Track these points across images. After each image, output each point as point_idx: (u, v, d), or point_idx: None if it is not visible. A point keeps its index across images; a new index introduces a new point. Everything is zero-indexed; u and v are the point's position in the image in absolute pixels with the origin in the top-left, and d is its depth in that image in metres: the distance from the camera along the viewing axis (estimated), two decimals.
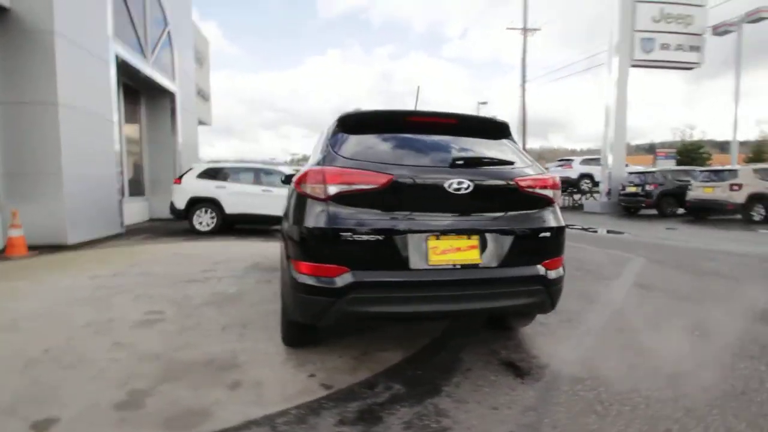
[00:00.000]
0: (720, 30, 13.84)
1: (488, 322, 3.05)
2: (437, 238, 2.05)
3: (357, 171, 2.06)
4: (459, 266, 2.06)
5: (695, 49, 13.95)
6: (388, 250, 2.01)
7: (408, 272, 2.02)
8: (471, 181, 2.08)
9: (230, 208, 8.23)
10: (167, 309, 3.39)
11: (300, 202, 2.15)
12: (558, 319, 3.16)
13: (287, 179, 4.46)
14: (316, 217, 2.05)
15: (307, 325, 2.48)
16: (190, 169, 8.65)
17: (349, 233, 2.00)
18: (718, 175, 11.44)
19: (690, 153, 41.52)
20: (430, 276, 2.03)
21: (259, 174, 8.51)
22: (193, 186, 8.30)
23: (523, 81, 25.08)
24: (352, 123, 2.36)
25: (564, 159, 19.46)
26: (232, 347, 2.63)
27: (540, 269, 2.20)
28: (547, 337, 2.87)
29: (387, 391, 2.11)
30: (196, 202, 8.28)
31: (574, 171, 16.20)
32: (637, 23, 14.03)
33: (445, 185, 2.06)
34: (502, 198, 2.19)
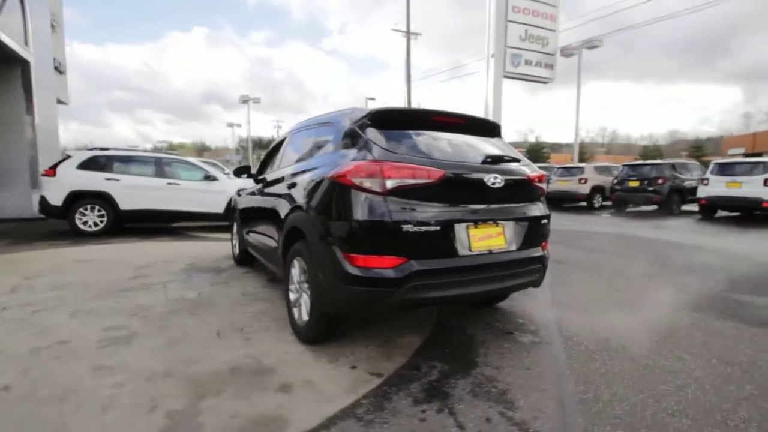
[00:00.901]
0: (566, 52, 17.27)
1: (471, 303, 3.43)
2: (475, 227, 2.30)
3: (414, 166, 2.17)
4: (491, 251, 2.36)
5: (549, 66, 16.75)
6: (440, 240, 2.19)
7: (456, 259, 2.23)
8: (501, 176, 2.39)
9: (127, 203, 7.05)
10: (129, 323, 2.91)
11: (352, 196, 2.15)
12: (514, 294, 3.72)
13: (241, 171, 4.18)
14: (374, 210, 2.10)
15: (335, 320, 2.49)
16: (67, 157, 7.09)
17: (408, 225, 2.11)
18: (569, 171, 14.29)
19: (534, 152, 49.96)
20: (472, 261, 2.28)
21: (162, 165, 7.46)
22: (74, 178, 6.84)
23: (408, 80, 26.83)
24: (384, 119, 2.43)
25: None
26: (246, 352, 2.47)
27: (540, 250, 2.65)
28: (516, 308, 3.38)
29: (433, 370, 2.30)
30: (79, 198, 6.86)
31: None
32: (509, 40, 16.14)
33: (485, 179, 2.33)
34: (518, 190, 2.55)
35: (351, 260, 2.13)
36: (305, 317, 2.57)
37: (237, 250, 4.88)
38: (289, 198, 2.81)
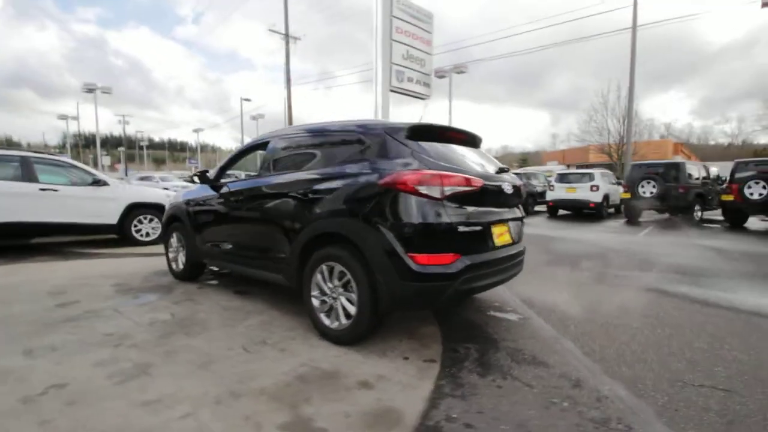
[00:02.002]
0: (439, 74, 19.67)
1: None
2: (495, 226, 2.78)
3: (464, 175, 2.51)
4: (505, 246, 2.87)
5: (427, 85, 18.67)
6: (481, 238, 2.60)
7: (490, 252, 2.67)
8: (510, 183, 2.93)
9: None
10: (122, 354, 2.50)
11: (415, 201, 2.38)
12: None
13: (203, 177, 3.87)
14: (436, 214, 2.39)
15: (380, 319, 2.65)
16: None
17: (460, 226, 2.46)
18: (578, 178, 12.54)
19: None
20: (497, 254, 2.75)
21: (30, 166, 5.93)
22: None
23: (288, 84, 26.37)
24: (418, 132, 2.71)
25: None
26: (296, 362, 2.44)
27: (523, 245, 3.29)
28: (481, 295, 3.99)
29: (470, 350, 2.69)
30: None
31: None
32: (393, 57, 17.45)
33: (503, 186, 2.82)
34: (515, 196, 3.12)
35: (415, 259, 2.37)
36: (344, 320, 2.66)
37: (180, 264, 4.37)
38: (313, 204, 2.83)
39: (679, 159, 14.87)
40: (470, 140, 3.19)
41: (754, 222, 10.75)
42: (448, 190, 2.45)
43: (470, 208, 2.58)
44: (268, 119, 38.30)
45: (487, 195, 2.75)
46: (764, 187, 8.82)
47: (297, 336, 2.85)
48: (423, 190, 2.40)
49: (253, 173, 3.90)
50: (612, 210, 13.15)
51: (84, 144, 61.09)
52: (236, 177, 4.75)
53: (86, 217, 6.27)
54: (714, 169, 13.00)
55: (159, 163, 76.50)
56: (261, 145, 3.72)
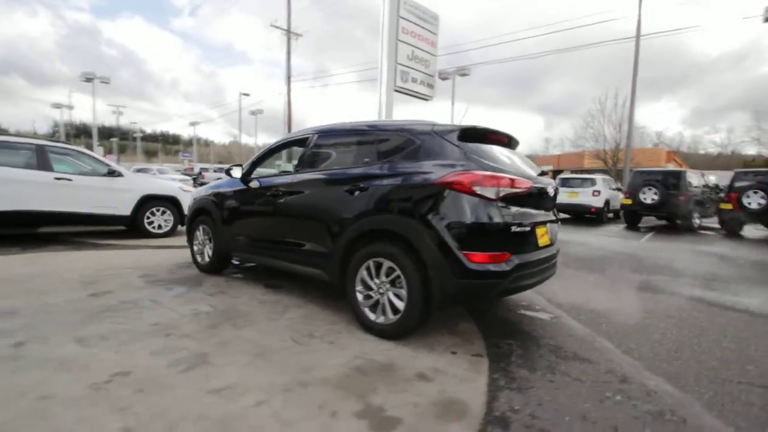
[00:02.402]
0: (442, 76, 19.86)
1: None
2: (538, 227, 2.87)
3: (515, 177, 2.59)
4: (545, 247, 2.96)
5: (430, 86, 18.71)
6: (529, 238, 2.68)
7: (535, 253, 2.75)
8: (551, 186, 3.02)
9: None
10: (176, 344, 2.53)
11: (472, 201, 2.46)
12: None
13: (236, 171, 3.88)
14: (491, 214, 2.47)
15: (429, 315, 2.71)
16: None
17: (513, 226, 2.54)
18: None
19: None
20: (540, 255, 2.83)
21: (45, 155, 5.87)
22: None
23: (288, 81, 26.26)
24: (468, 134, 2.78)
25: None
26: (351, 354, 2.50)
27: (557, 246, 3.38)
28: (526, 295, 4.07)
29: (512, 346, 2.77)
30: None
31: None
32: (399, 57, 17.47)
33: (546, 189, 2.91)
34: (552, 198, 3.21)
35: (470, 257, 2.44)
36: (391, 316, 2.72)
37: (207, 257, 4.38)
38: (361, 201, 2.88)
39: (674, 167, 15.19)
40: (509, 142, 3.27)
41: (749, 230, 11.07)
42: (502, 191, 2.53)
43: (519, 209, 2.66)
44: (266, 115, 38.13)
45: (533, 197, 2.83)
46: (763, 198, 9.10)
47: (341, 329, 2.90)
48: (479, 190, 2.48)
49: (271, 170, 3.92)
50: (611, 215, 13.39)
51: (75, 134, 59.94)
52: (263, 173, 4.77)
53: (100, 208, 6.22)
54: (712, 178, 13.32)
55: (150, 155, 75.51)
56: (298, 141, 3.76)
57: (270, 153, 4.10)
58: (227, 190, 4.16)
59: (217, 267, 4.35)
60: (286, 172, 3.81)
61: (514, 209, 2.62)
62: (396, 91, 18.82)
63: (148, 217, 6.72)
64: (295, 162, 3.69)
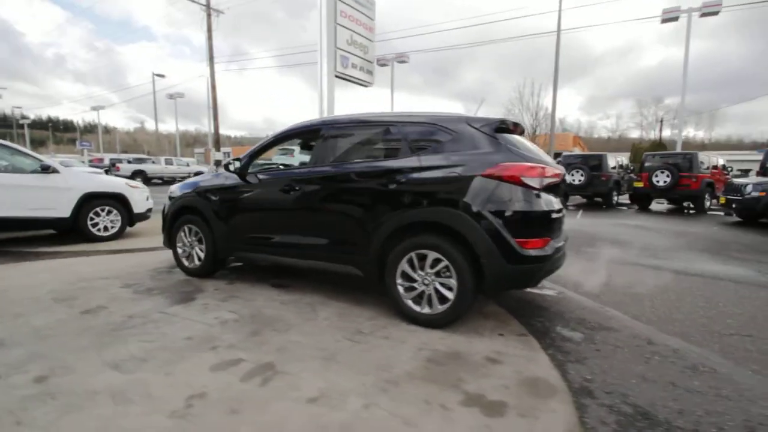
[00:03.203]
0: (380, 62, 19.76)
1: None
2: (560, 213, 3.12)
3: (554, 168, 2.77)
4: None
5: (370, 72, 18.66)
6: (560, 223, 2.91)
7: (560, 237, 2.99)
8: (567, 172, 3.27)
9: None
10: (228, 355, 2.34)
11: (518, 190, 2.60)
12: None
13: (234, 166, 3.63)
14: (539, 202, 2.64)
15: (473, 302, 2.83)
16: None
17: (552, 213, 2.74)
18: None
19: None
20: (562, 239, 3.09)
21: None
22: None
23: (211, 61, 24.20)
24: (500, 125, 2.90)
25: (285, 148, 21.89)
26: (410, 347, 2.54)
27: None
28: None
29: (546, 323, 3.02)
30: None
31: (294, 159, 18.12)
32: (338, 42, 17.17)
33: (567, 177, 3.15)
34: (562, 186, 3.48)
35: (521, 244, 2.60)
36: (438, 306, 2.79)
37: (196, 260, 4.01)
38: (400, 194, 2.87)
39: (579, 151, 17.04)
40: (522, 131, 3.47)
41: (654, 205, 13.00)
42: (545, 180, 2.71)
43: (552, 197, 2.88)
44: (179, 100, 34.53)
45: (559, 185, 3.07)
46: (668, 176, 10.74)
47: (385, 323, 2.91)
48: (526, 180, 2.63)
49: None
50: None
51: None
52: (278, 166, 4.47)
53: (34, 210, 5.30)
54: (623, 159, 15.28)
55: (37, 144, 64.52)
56: (307, 132, 3.58)
57: (270, 145, 3.84)
58: (222, 185, 3.83)
59: (209, 270, 4.01)
60: (302, 165, 3.62)
61: (550, 197, 2.82)
62: (336, 76, 18.44)
63: (92, 219, 5.88)
64: (280, 154, 3.53)
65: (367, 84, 19.11)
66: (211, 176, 4.07)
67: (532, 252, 2.64)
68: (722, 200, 9.05)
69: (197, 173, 24.60)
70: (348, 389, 2.02)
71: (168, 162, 23.61)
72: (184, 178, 24.89)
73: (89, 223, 5.84)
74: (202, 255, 3.99)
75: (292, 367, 2.22)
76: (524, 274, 2.68)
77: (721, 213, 11.24)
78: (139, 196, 6.45)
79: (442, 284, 2.79)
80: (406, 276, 2.92)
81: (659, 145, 31.05)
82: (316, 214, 3.29)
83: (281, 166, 4.60)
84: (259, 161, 4.13)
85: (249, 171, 3.74)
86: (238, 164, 3.67)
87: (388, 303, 3.25)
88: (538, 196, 2.68)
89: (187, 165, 25.41)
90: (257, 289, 3.65)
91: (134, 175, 19.91)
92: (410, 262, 2.88)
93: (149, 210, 6.66)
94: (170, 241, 4.24)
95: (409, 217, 2.85)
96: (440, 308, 2.79)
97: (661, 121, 39.09)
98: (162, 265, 4.47)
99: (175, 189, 4.33)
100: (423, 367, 2.28)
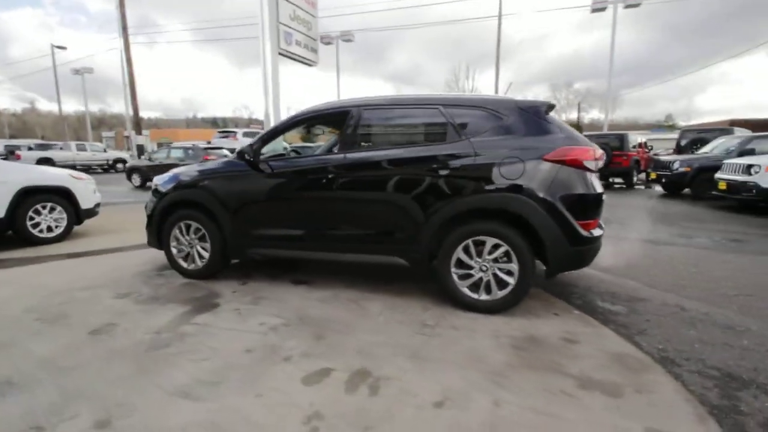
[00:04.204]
0: (325, 41, 18.81)
1: None
2: None
3: (600, 150, 2.83)
4: None
5: (314, 50, 17.84)
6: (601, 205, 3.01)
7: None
8: None
9: None
10: (317, 365, 2.10)
11: (580, 174, 2.64)
12: None
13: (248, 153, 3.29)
14: (597, 185, 2.70)
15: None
16: None
17: (602, 194, 2.82)
18: None
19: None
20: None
21: None
22: None
23: (125, 33, 21.31)
24: (547, 108, 2.90)
25: (226, 131, 20.42)
26: (484, 335, 2.51)
27: None
28: None
29: (584, 300, 3.16)
30: None
31: (239, 143, 16.77)
32: (281, 17, 16.21)
33: None
34: None
35: (584, 226, 2.66)
36: (498, 292, 2.77)
37: (198, 261, 3.55)
38: (454, 180, 2.76)
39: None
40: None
41: None
42: (600, 163, 2.78)
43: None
44: (73, 76, 29.40)
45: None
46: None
47: (442, 313, 2.83)
48: (587, 163, 2.67)
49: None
50: None
51: None
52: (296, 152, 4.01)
53: None
54: None
55: None
56: (334, 114, 3.27)
57: (286, 129, 3.46)
58: (231, 175, 3.38)
59: (214, 270, 3.58)
60: (329, 153, 3.31)
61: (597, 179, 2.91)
62: (280, 54, 17.36)
63: (32, 218, 4.92)
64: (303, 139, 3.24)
65: (312, 63, 18.22)
66: (221, 163, 3.58)
67: (592, 233, 2.72)
68: (653, 175, 10.23)
69: (119, 160, 21.90)
70: (463, 388, 1.92)
71: (80, 148, 20.58)
72: (101, 165, 22.05)
73: (29, 223, 4.89)
74: (205, 254, 3.53)
75: (389, 371, 2.07)
76: (583, 255, 2.75)
77: (642, 187, 12.72)
78: (86, 189, 5.53)
79: (500, 269, 2.78)
80: (460, 263, 2.85)
81: (577, 126, 34.13)
82: (355, 204, 3.06)
83: (291, 153, 4.18)
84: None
85: (261, 158, 3.36)
86: (249, 149, 3.27)
87: (431, 291, 3.18)
88: (593, 178, 2.75)
89: (105, 151, 22.44)
90: (280, 288, 3.34)
91: (39, 165, 17.11)
92: (466, 249, 2.82)
93: (97, 205, 5.75)
94: (159, 241, 3.70)
95: (468, 203, 2.76)
96: (500, 294, 2.78)
97: (579, 105, 42.87)
98: (146, 268, 3.90)
99: (161, 182, 3.75)
100: (514, 355, 2.26)
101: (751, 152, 8.78)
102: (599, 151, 2.84)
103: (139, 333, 2.49)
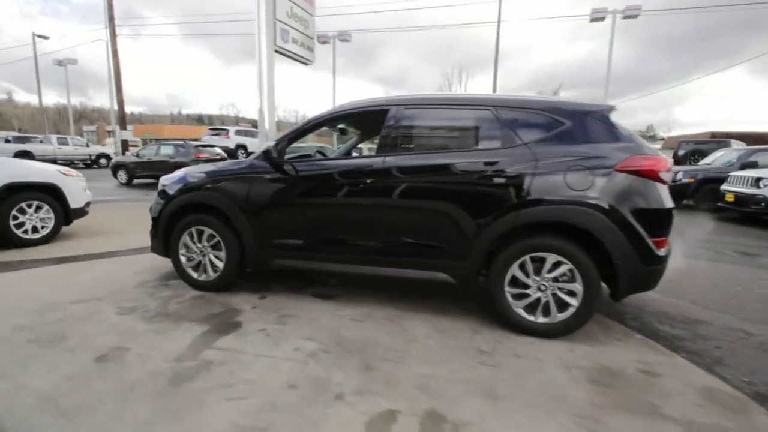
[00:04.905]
0: (321, 40, 18.41)
1: None
2: None
3: (670, 160, 2.59)
4: None
5: (310, 48, 17.47)
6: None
7: None
8: None
9: None
10: (373, 402, 1.78)
11: (655, 186, 2.40)
12: None
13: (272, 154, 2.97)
14: (667, 198, 2.46)
15: None
16: None
17: (673, 209, 2.57)
18: None
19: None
20: None
21: None
22: None
23: (112, 23, 20.49)
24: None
25: (218, 128, 19.81)
26: (552, 366, 2.23)
27: None
28: None
29: (639, 322, 2.91)
30: None
31: (231, 141, 16.20)
32: (278, 13, 15.85)
33: None
34: None
35: (657, 244, 2.41)
36: (558, 314, 2.50)
37: (211, 271, 3.18)
38: (507, 190, 2.50)
39: None
40: None
41: None
42: (672, 175, 2.55)
43: None
44: (55, 68, 28.02)
45: None
46: None
47: (497, 337, 2.54)
48: (662, 175, 2.43)
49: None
50: None
51: None
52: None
53: None
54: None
55: None
56: (371, 112, 2.96)
57: (315, 127, 3.12)
58: (252, 176, 3.03)
59: (229, 282, 3.21)
60: (369, 155, 3.00)
61: None
62: (276, 51, 16.92)
63: (16, 217, 4.45)
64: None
65: (308, 62, 17.80)
66: (230, 165, 3.23)
67: (663, 251, 2.48)
68: None
69: (102, 155, 20.95)
70: (563, 421, 1.64)
71: (62, 141, 19.61)
72: (84, 160, 21.04)
73: (12, 223, 4.41)
74: (219, 264, 3.16)
75: (463, 414, 1.76)
76: (654, 275, 2.50)
77: None
78: (76, 187, 5.06)
79: (560, 289, 2.51)
80: (515, 282, 2.57)
81: None
82: (396, 212, 2.75)
83: (318, 155, 3.81)
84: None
85: (286, 159, 3.02)
86: (274, 149, 2.92)
87: (473, 309, 2.91)
88: (666, 191, 2.51)
89: (87, 145, 21.48)
90: (305, 304, 3.00)
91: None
92: (522, 267, 2.54)
93: (88, 204, 5.28)
94: (166, 248, 3.31)
95: (527, 216, 2.49)
96: (560, 317, 2.51)
97: None
98: (147, 276, 3.50)
99: (169, 183, 3.37)
100: (597, 392, 1.98)
101: (753, 165, 8.83)
102: (671, 162, 2.61)
103: (156, 360, 2.12)
